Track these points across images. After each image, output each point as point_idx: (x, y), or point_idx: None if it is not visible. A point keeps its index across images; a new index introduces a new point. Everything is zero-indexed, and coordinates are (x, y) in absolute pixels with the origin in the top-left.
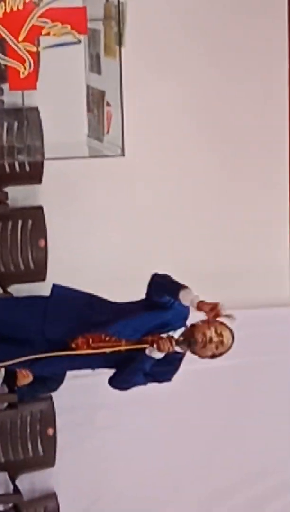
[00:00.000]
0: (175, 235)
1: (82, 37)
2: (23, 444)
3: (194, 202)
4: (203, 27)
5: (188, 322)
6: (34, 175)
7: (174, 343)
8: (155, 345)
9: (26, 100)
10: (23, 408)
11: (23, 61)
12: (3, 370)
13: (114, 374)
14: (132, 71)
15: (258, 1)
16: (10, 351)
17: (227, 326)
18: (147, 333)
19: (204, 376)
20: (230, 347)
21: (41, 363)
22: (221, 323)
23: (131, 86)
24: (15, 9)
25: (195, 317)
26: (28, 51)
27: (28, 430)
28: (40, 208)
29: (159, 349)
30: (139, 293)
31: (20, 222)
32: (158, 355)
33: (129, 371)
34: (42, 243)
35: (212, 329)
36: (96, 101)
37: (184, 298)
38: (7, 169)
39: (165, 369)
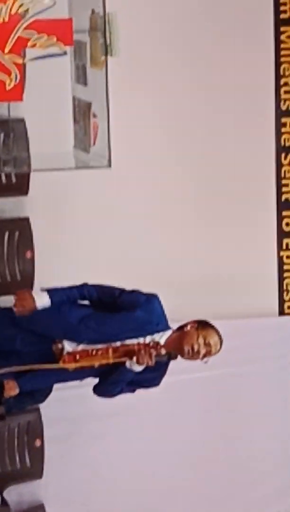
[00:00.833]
0: (162, 246)
1: (68, 48)
2: (10, 456)
3: (181, 213)
4: (192, 42)
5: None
6: (20, 186)
7: (153, 356)
8: (134, 358)
9: (12, 111)
10: (10, 420)
11: (9, 73)
12: None
13: (98, 384)
14: (118, 82)
15: (249, 26)
16: None
17: (215, 331)
18: (127, 337)
19: (192, 385)
20: (217, 352)
21: (27, 378)
22: (210, 329)
23: (117, 98)
24: (0, 21)
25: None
26: (14, 63)
27: (16, 442)
28: (26, 220)
29: (138, 362)
30: None
31: (6, 234)
32: (138, 368)
33: (110, 382)
34: (28, 254)
35: (201, 340)
36: (82, 112)
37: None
38: None
39: (152, 376)
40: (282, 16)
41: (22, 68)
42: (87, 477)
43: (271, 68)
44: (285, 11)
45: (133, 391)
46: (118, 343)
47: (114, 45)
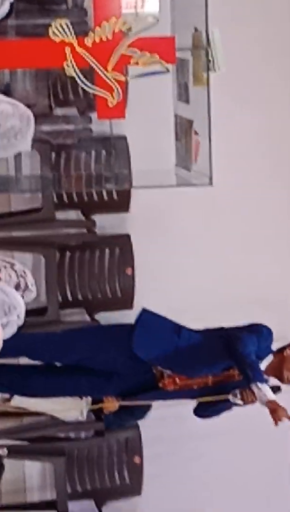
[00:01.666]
0: (261, 264)
1: (170, 66)
2: (109, 472)
3: (281, 231)
4: None
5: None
6: (121, 203)
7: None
8: (239, 395)
9: (114, 129)
10: (110, 436)
11: (111, 90)
12: (89, 398)
13: (199, 406)
14: (220, 100)
15: None
16: (98, 384)
17: None
18: (231, 368)
19: None
20: None
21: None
22: None
23: (219, 115)
24: (104, 38)
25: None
26: (116, 80)
27: (115, 459)
28: (127, 236)
29: (242, 400)
30: (225, 321)
31: (107, 250)
32: (241, 403)
33: (211, 410)
34: (129, 271)
35: None
36: (184, 130)
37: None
38: (95, 197)
39: None
40: None
41: (125, 85)
42: (185, 496)
43: None
44: None
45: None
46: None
47: (216, 62)
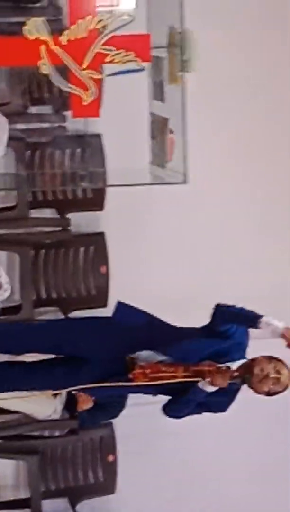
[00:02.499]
0: (235, 261)
1: (145, 64)
2: (83, 470)
3: (255, 228)
4: (270, 58)
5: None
6: (96, 201)
7: (227, 378)
8: (208, 379)
9: (89, 127)
10: (84, 434)
11: (86, 89)
12: (64, 394)
13: (168, 402)
14: (195, 98)
15: None
16: (69, 375)
17: (286, 366)
18: (204, 359)
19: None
20: (286, 387)
21: (98, 389)
22: (282, 362)
23: (194, 114)
24: (79, 36)
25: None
26: (91, 78)
27: (89, 457)
28: (102, 235)
29: (212, 383)
30: (199, 319)
31: (82, 249)
32: (211, 389)
33: (181, 402)
34: (103, 269)
35: (272, 365)
36: (159, 128)
37: (267, 323)
38: (70, 196)
39: (220, 400)
40: None
41: (100, 84)
42: (159, 494)
43: None
44: None
45: (199, 413)
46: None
47: (191, 61)
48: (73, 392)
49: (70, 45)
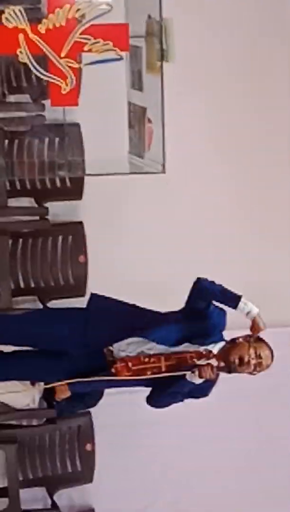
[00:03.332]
0: (212, 249)
1: (123, 54)
2: (61, 460)
3: (232, 217)
4: (247, 48)
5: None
6: (74, 190)
7: (215, 371)
8: (196, 372)
9: (67, 116)
10: (62, 423)
11: (64, 77)
12: (42, 384)
13: (152, 393)
14: (173, 88)
15: None
16: (49, 366)
17: (267, 345)
18: (183, 340)
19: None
20: (268, 366)
21: (80, 383)
22: (262, 342)
23: (172, 103)
24: (57, 25)
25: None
26: (70, 67)
27: (67, 446)
28: (80, 224)
29: (200, 376)
30: (176, 305)
31: (60, 238)
32: (198, 381)
33: (168, 393)
34: (82, 258)
35: (251, 351)
36: (137, 117)
37: (245, 306)
38: (48, 185)
39: (203, 385)
40: None
41: (78, 73)
42: (136, 484)
43: None
44: None
45: (182, 401)
46: (170, 350)
47: (170, 51)
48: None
49: (48, 34)
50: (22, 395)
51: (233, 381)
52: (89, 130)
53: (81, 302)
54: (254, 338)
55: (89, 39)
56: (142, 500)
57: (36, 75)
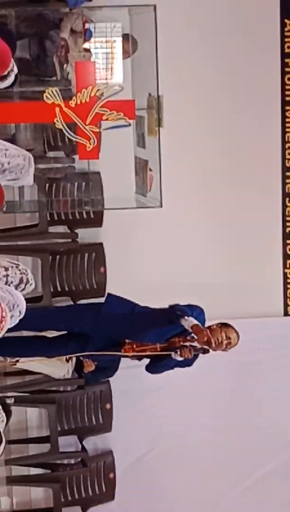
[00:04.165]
0: (197, 264)
1: (131, 121)
2: (88, 415)
3: (209, 239)
4: (223, 116)
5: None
6: (96, 220)
7: (192, 351)
8: (178, 352)
9: (91, 166)
10: (89, 389)
11: (88, 139)
12: (74, 360)
13: (150, 364)
14: (168, 145)
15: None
16: (78, 345)
17: (233, 329)
18: (174, 336)
19: (216, 369)
20: (236, 344)
21: (100, 357)
22: (230, 327)
23: (167, 157)
24: (83, 101)
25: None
26: (92, 131)
27: (92, 405)
28: (101, 244)
29: (181, 355)
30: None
31: (86, 255)
32: (180, 359)
33: (160, 365)
34: (102, 269)
35: (223, 334)
36: (141, 167)
37: (184, 323)
38: (77, 216)
39: (186, 361)
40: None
41: (98, 135)
42: (144, 433)
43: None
44: None
45: (173, 368)
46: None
47: (164, 119)
48: (81, 358)
49: (77, 107)
50: (59, 368)
51: (217, 359)
52: (106, 176)
53: (102, 301)
54: (222, 324)
55: (106, 111)
56: (146, 445)
57: (68, 137)
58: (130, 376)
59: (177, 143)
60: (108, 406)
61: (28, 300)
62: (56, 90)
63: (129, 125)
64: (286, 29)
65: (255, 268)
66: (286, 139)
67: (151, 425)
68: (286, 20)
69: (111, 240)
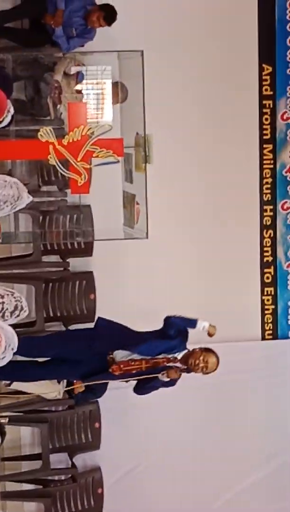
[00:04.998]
0: (180, 291)
1: (120, 158)
2: (78, 434)
3: (192, 267)
4: (206, 154)
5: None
6: (87, 250)
7: (179, 372)
8: (165, 373)
9: (82, 200)
10: (78, 409)
11: (80, 174)
12: (65, 381)
13: (137, 386)
14: (154, 181)
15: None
16: (71, 370)
17: (214, 354)
18: (160, 353)
19: (199, 388)
20: (215, 369)
21: (91, 378)
22: (210, 352)
23: (153, 192)
24: (75, 139)
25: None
26: (83, 167)
27: (82, 424)
28: (91, 273)
29: (168, 376)
30: (154, 326)
31: (77, 282)
32: (166, 379)
33: (147, 387)
34: (92, 296)
35: (201, 358)
36: (129, 201)
37: (200, 324)
38: (69, 246)
39: (170, 381)
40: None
41: (89, 171)
42: (131, 449)
43: (256, 167)
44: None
45: (157, 389)
46: (150, 357)
47: (150, 157)
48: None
49: (69, 145)
50: (51, 390)
51: (199, 380)
52: (96, 209)
53: (91, 326)
54: (205, 349)
55: (96, 149)
56: (132, 461)
57: (61, 173)
58: (118, 397)
59: (162, 179)
60: (97, 425)
61: (22, 325)
62: (50, 129)
63: (118, 161)
64: (263, 73)
65: (235, 295)
66: (264, 175)
67: (137, 442)
68: (263, 65)
69: (101, 268)
